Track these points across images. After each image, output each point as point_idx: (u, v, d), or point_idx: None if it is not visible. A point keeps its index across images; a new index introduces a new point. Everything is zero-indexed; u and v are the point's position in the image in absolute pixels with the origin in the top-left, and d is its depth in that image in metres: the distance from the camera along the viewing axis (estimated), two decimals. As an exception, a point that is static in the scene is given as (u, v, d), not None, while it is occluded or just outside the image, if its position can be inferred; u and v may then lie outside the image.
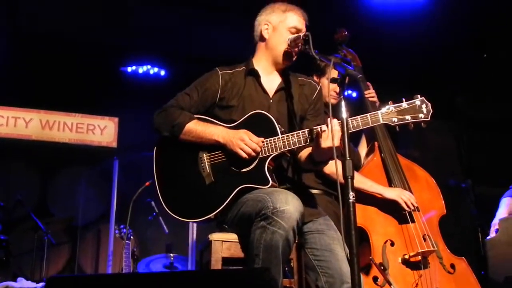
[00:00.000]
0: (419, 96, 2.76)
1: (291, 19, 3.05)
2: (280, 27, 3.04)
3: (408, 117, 2.74)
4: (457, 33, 6.59)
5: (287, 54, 3.03)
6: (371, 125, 2.76)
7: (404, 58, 6.97)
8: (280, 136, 2.82)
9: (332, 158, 2.63)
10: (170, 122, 2.94)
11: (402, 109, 2.75)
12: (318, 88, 3.17)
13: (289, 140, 2.80)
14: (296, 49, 3.00)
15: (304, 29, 3.03)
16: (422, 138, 7.40)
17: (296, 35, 2.98)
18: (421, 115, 2.73)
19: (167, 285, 2.07)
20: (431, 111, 2.74)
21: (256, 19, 3.18)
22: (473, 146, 7.59)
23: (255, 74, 3.08)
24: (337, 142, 2.60)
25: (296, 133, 2.81)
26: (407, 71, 7.15)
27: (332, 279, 2.77)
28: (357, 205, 2.38)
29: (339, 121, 2.60)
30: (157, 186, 3.01)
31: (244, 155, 2.80)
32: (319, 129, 2.72)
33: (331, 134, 2.62)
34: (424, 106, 2.75)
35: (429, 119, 2.73)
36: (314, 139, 2.74)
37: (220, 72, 3.08)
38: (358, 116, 2.76)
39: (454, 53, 7.00)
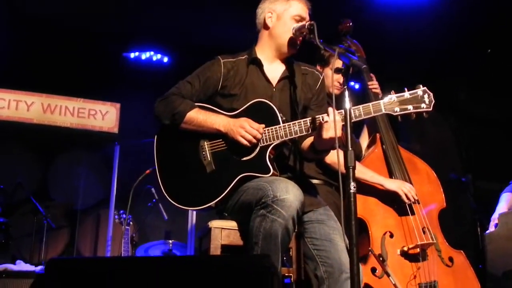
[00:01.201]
0: (421, 86, 2.76)
1: (295, 7, 3.03)
2: (285, 15, 3.03)
3: (410, 107, 2.74)
4: (460, 29, 6.58)
5: (291, 43, 3.02)
6: (373, 114, 2.76)
7: (407, 52, 6.97)
8: (281, 125, 2.82)
9: (334, 148, 2.63)
10: (171, 110, 2.93)
11: (404, 99, 2.75)
12: (321, 77, 3.16)
13: (291, 129, 2.80)
14: (301, 38, 2.99)
15: (307, 17, 3.03)
16: (423, 132, 7.40)
17: (301, 24, 2.97)
18: (423, 105, 2.73)
19: (166, 269, 2.08)
20: (433, 101, 2.74)
21: (258, 7, 3.16)
22: (473, 141, 7.60)
23: (257, 63, 3.07)
24: (339, 133, 2.60)
25: (298, 122, 2.80)
26: (409, 65, 7.14)
27: (331, 269, 2.78)
28: (357, 196, 2.38)
29: (339, 111, 2.61)
30: (158, 174, 3.01)
31: (245, 142, 2.80)
32: (321, 118, 2.72)
33: (333, 124, 2.62)
34: (426, 96, 2.75)
35: (431, 109, 2.73)
36: (316, 129, 2.74)
37: (222, 61, 3.07)
38: (360, 106, 2.75)
39: (456, 48, 6.99)
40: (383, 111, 2.75)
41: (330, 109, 2.67)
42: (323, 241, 2.86)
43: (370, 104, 2.76)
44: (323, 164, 3.55)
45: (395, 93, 2.76)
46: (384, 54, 6.11)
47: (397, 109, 2.74)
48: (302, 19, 3.00)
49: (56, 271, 2.05)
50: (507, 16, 6.31)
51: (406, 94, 2.75)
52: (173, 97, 2.98)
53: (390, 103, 2.75)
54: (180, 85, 3.04)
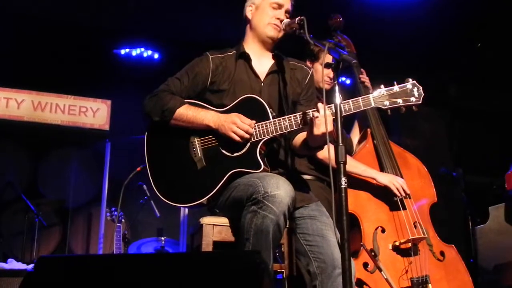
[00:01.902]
0: (410, 79, 2.77)
1: None
2: (262, 4, 3.06)
3: (399, 100, 2.75)
4: (452, 22, 6.59)
5: (270, 28, 3.02)
6: (362, 108, 2.77)
7: (398, 46, 6.97)
8: (271, 120, 2.82)
9: (326, 143, 2.63)
10: (160, 107, 2.92)
11: (393, 92, 2.75)
12: (310, 72, 3.16)
13: (281, 124, 2.80)
14: (281, 21, 2.99)
15: (286, 5, 3.04)
16: (414, 126, 7.42)
17: (284, 18, 2.98)
18: (412, 99, 2.75)
19: (158, 266, 2.07)
20: (423, 94, 2.76)
21: (244, 5, 3.19)
22: (464, 135, 7.63)
23: (246, 58, 3.07)
24: (330, 127, 2.60)
25: (288, 117, 2.80)
26: (400, 60, 7.14)
27: (324, 265, 2.79)
28: (348, 190, 2.38)
29: (329, 105, 2.61)
30: (148, 171, 3.00)
31: (237, 138, 2.80)
32: (311, 114, 2.72)
33: (323, 120, 2.62)
34: (415, 89, 2.76)
35: (420, 102, 2.75)
36: (307, 124, 2.74)
37: (210, 57, 3.06)
38: (350, 100, 2.76)
39: (448, 42, 7.00)
40: (373, 105, 2.75)
41: (320, 105, 2.67)
42: (315, 237, 2.86)
43: (360, 98, 2.76)
44: (314, 159, 3.55)
45: (385, 87, 2.76)
46: (374, 49, 6.11)
47: (386, 102, 2.75)
48: (280, 6, 3.02)
49: (46, 269, 2.04)
50: (497, 10, 6.32)
51: (396, 88, 2.76)
52: (162, 93, 2.97)
53: (379, 96, 2.75)
54: (169, 82, 3.04)
